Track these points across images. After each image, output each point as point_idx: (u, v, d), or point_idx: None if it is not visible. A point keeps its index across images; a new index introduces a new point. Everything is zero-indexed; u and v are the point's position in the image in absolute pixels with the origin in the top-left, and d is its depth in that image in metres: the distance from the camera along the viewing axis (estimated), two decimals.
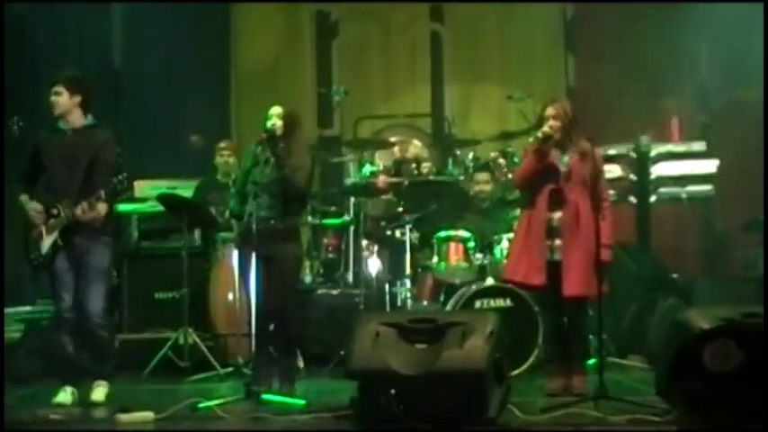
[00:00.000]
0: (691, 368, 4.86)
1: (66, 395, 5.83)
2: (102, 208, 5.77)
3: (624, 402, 5.30)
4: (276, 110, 6.03)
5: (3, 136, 6.22)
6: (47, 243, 5.87)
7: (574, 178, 5.87)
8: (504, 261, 6.91)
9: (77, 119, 5.94)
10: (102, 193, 5.73)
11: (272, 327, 6.02)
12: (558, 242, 5.90)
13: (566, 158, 5.90)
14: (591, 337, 6.87)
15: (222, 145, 7.97)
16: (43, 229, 5.86)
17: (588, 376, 5.98)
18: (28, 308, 8.26)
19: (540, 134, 5.86)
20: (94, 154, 5.85)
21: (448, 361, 4.92)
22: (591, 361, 6.74)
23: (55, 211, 5.83)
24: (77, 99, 5.91)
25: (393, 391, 4.89)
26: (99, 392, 5.92)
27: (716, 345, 4.81)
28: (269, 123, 5.97)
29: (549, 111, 5.93)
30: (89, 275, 5.83)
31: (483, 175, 7.77)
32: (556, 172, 5.90)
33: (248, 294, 5.88)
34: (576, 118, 5.97)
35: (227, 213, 7.23)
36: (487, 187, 7.72)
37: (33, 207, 5.89)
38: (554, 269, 5.89)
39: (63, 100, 5.89)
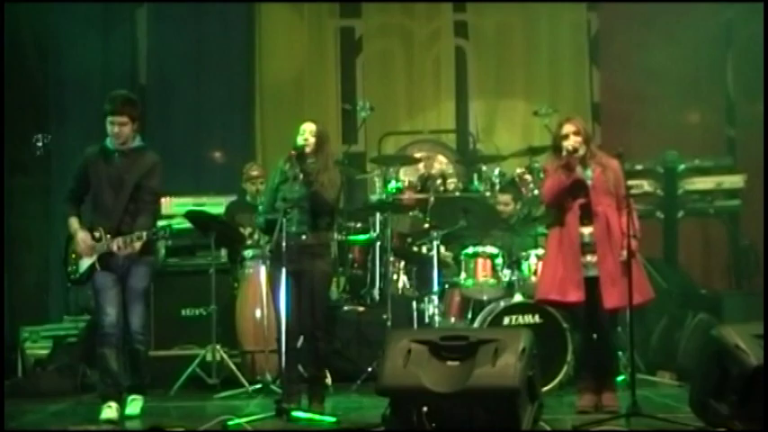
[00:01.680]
0: (762, 398, 4.71)
1: (112, 410, 5.88)
2: (138, 245, 5.89)
3: (656, 420, 5.27)
4: (309, 126, 6.03)
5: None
6: (86, 263, 6.01)
7: (599, 190, 5.87)
8: (534, 279, 6.91)
9: (130, 142, 6.04)
10: (144, 234, 5.87)
11: (300, 343, 6.03)
12: (590, 258, 5.87)
13: (588, 172, 5.90)
14: (620, 353, 6.85)
15: (254, 173, 7.92)
16: (86, 248, 5.98)
17: (618, 393, 5.95)
18: (55, 325, 8.34)
19: (570, 147, 5.85)
20: (140, 179, 5.96)
21: (480, 378, 4.90)
22: (620, 377, 6.72)
23: (97, 235, 5.95)
24: (136, 125, 6.05)
25: (425, 409, 4.87)
26: (134, 406, 6.05)
27: None
28: (301, 140, 5.97)
29: (569, 127, 5.94)
30: (130, 295, 6.00)
31: (505, 197, 7.78)
32: (583, 186, 5.90)
33: (278, 311, 5.87)
34: (591, 133, 6.02)
35: (255, 235, 7.25)
36: (508, 208, 7.74)
37: (83, 238, 5.98)
38: (588, 285, 5.85)
39: (127, 130, 5.97)
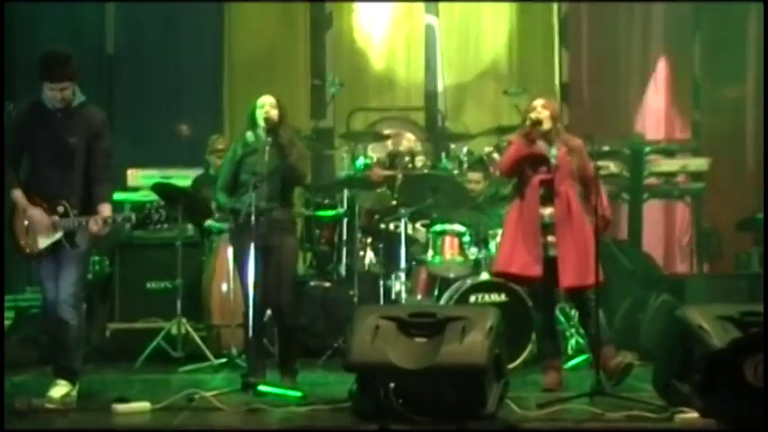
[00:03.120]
0: (729, 382, 4.65)
1: (58, 388, 5.43)
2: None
3: (620, 399, 5.34)
4: (269, 99, 5.95)
5: (2, 128, 5.82)
6: (47, 240, 5.40)
7: (562, 170, 5.88)
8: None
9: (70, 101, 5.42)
10: (133, 216, 5.53)
11: (267, 318, 6.03)
12: (550, 238, 5.90)
13: (554, 151, 5.92)
14: (582, 332, 6.93)
15: (220, 146, 7.86)
16: (44, 222, 5.39)
17: (583, 372, 6.04)
18: (17, 295, 8.25)
19: (533, 116, 5.87)
20: (90, 141, 5.40)
21: (448, 355, 4.93)
22: (583, 357, 6.81)
23: (61, 209, 5.37)
24: (75, 82, 5.41)
25: (392, 385, 4.88)
26: (56, 391, 5.39)
27: (757, 358, 4.53)
28: (265, 112, 5.91)
29: (538, 101, 5.98)
30: (63, 258, 5.42)
31: (475, 175, 7.78)
32: (545, 161, 5.90)
33: (244, 285, 5.85)
34: (560, 115, 6.04)
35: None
36: (478, 187, 7.75)
37: (39, 220, 5.36)
38: (548, 265, 5.90)
39: (69, 93, 5.36)
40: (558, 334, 6.37)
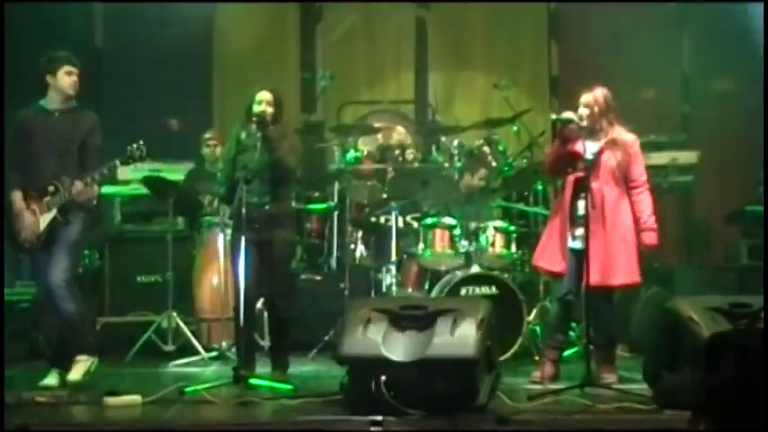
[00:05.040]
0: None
1: (53, 377, 5.75)
2: (96, 188, 5.79)
3: (611, 390, 5.36)
4: (266, 95, 5.99)
5: (3, 128, 6.00)
6: (45, 219, 5.73)
7: (600, 166, 5.79)
8: (491, 250, 7.11)
9: (69, 101, 5.86)
10: (106, 169, 5.70)
11: (261, 312, 6.03)
12: (579, 231, 5.84)
13: (593, 147, 5.85)
14: (574, 325, 6.94)
15: (207, 135, 7.89)
16: (37, 208, 5.75)
17: (573, 364, 6.04)
18: (6, 290, 8.22)
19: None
20: (83, 139, 5.79)
21: (439, 348, 4.93)
22: (574, 349, 6.82)
23: (52, 189, 5.72)
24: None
25: (383, 378, 4.88)
26: (76, 371, 5.72)
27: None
28: (259, 108, 5.92)
29: (581, 99, 5.94)
30: (56, 247, 5.72)
31: (482, 172, 7.72)
32: (581, 159, 5.85)
33: (237, 279, 5.84)
34: (611, 107, 5.93)
35: (215, 202, 7.22)
36: (483, 183, 7.72)
37: (29, 222, 5.73)
38: (574, 256, 5.90)
39: (77, 84, 5.82)
40: (567, 329, 6.36)
